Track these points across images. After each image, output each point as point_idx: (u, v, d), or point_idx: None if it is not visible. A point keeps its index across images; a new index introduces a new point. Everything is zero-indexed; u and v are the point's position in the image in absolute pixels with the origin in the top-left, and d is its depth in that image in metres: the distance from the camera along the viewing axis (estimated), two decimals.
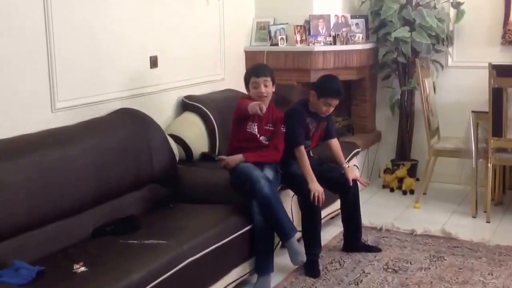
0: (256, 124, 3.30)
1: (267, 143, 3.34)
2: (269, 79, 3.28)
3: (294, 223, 3.36)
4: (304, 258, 3.12)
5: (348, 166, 3.63)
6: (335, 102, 3.44)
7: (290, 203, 3.42)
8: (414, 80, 4.70)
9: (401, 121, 5.00)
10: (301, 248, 3.16)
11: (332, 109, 3.46)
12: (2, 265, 2.36)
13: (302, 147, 3.37)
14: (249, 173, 3.12)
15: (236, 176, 3.20)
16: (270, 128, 3.34)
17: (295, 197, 3.47)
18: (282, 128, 3.36)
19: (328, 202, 3.81)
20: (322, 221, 3.79)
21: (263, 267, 3.10)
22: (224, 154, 3.50)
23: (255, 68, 3.41)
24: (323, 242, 3.70)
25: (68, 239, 2.69)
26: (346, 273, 3.31)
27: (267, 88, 3.27)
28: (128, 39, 3.49)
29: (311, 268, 3.29)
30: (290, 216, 3.32)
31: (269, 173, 3.23)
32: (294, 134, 3.36)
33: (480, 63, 4.40)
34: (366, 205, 4.34)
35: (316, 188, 3.26)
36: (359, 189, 3.67)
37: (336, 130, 3.77)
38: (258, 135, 3.31)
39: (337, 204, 3.82)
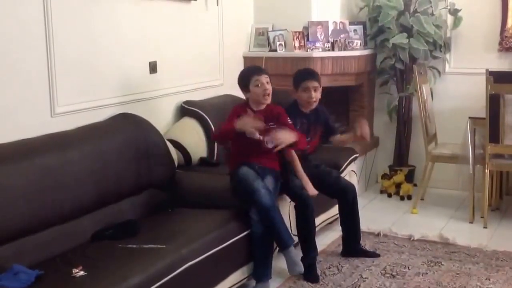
0: (254, 129, 3.21)
1: (271, 146, 3.25)
2: (268, 77, 3.26)
3: (292, 227, 3.38)
4: (301, 269, 3.11)
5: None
6: (312, 84, 3.43)
7: (288, 209, 3.43)
8: (411, 86, 4.73)
9: (399, 127, 5.02)
10: (298, 258, 3.14)
11: (314, 95, 3.43)
12: (1, 269, 2.36)
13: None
14: (249, 182, 3.10)
15: (236, 184, 3.18)
16: (273, 126, 3.24)
17: (293, 202, 3.48)
18: (289, 120, 3.30)
19: (325, 207, 3.84)
20: (320, 226, 3.82)
21: (262, 273, 3.10)
22: (223, 159, 3.50)
23: (253, 68, 3.38)
24: (321, 247, 3.72)
25: (67, 243, 2.70)
26: (344, 278, 3.32)
27: (269, 86, 3.23)
28: (127, 45, 3.50)
29: (309, 273, 3.29)
30: (288, 222, 3.33)
31: (270, 181, 3.21)
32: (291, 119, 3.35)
33: (477, 69, 4.43)
34: (364, 211, 4.34)
35: None
36: (357, 193, 3.69)
37: (336, 130, 3.75)
38: (262, 137, 3.19)
39: (334, 210, 3.84)
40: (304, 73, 3.53)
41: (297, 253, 3.14)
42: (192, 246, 2.71)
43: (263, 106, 3.28)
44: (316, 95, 3.46)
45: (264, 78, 3.23)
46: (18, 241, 2.54)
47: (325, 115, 3.63)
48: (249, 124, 3.02)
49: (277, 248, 3.26)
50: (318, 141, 3.65)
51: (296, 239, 3.31)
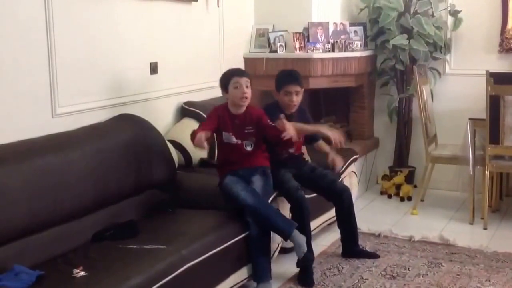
0: (231, 133, 3.23)
1: (250, 149, 3.25)
2: (249, 81, 3.22)
3: None
4: (304, 248, 3.05)
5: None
6: (294, 88, 3.41)
7: (288, 210, 3.42)
8: (412, 87, 4.73)
9: (399, 128, 5.02)
10: (303, 240, 3.06)
11: (295, 99, 3.41)
12: (2, 269, 2.36)
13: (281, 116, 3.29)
14: (231, 191, 3.10)
15: (223, 195, 3.18)
16: (251, 130, 3.25)
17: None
18: (269, 122, 3.22)
19: (324, 208, 3.83)
20: (319, 227, 3.82)
21: (262, 275, 3.10)
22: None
23: (235, 69, 3.32)
24: (321, 248, 3.73)
25: (68, 244, 2.70)
26: (344, 279, 3.32)
27: (248, 90, 3.19)
28: (128, 46, 3.51)
29: (304, 277, 3.26)
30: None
31: (257, 180, 3.19)
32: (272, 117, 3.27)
33: (478, 70, 4.43)
34: (363, 212, 4.36)
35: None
36: (355, 196, 3.69)
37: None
38: (240, 141, 3.24)
39: (334, 211, 3.83)
40: (286, 77, 3.50)
41: (301, 237, 3.06)
42: (193, 246, 2.71)
43: (242, 110, 3.24)
44: (297, 99, 3.44)
45: (244, 81, 3.19)
46: (19, 242, 2.54)
47: (308, 118, 3.62)
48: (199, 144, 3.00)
49: (276, 250, 3.27)
50: (302, 142, 3.63)
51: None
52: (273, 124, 3.20)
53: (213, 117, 3.25)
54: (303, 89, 3.48)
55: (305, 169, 3.55)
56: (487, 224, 4.10)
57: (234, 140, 3.24)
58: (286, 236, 3.07)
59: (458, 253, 3.66)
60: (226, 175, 3.22)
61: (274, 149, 3.40)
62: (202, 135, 2.99)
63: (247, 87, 3.19)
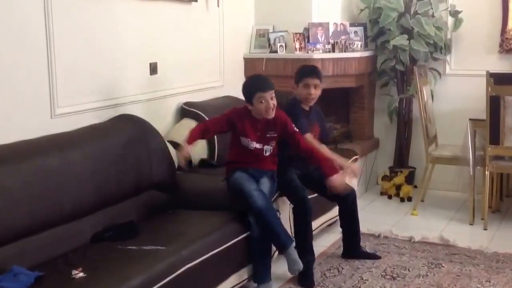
0: (250, 139, 3.21)
1: (268, 154, 3.26)
2: (273, 91, 3.18)
3: (292, 230, 3.37)
4: (300, 266, 3.08)
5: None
6: (313, 81, 3.42)
7: (288, 211, 3.42)
8: (412, 88, 4.73)
9: (399, 128, 5.02)
10: (297, 256, 3.10)
11: (313, 92, 3.41)
12: (1, 270, 2.36)
13: (308, 134, 3.35)
14: (241, 187, 3.10)
15: (231, 189, 3.18)
16: (273, 135, 3.24)
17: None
18: (294, 127, 3.25)
19: (325, 209, 3.84)
20: (319, 228, 3.82)
21: (263, 276, 3.10)
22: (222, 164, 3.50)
23: (259, 82, 3.22)
24: (321, 249, 3.72)
25: (67, 245, 2.69)
26: (344, 280, 3.32)
27: (273, 101, 3.16)
28: (128, 46, 3.50)
29: (304, 278, 3.26)
30: (288, 224, 3.33)
31: (265, 182, 3.21)
32: (299, 126, 3.31)
33: (478, 71, 4.43)
34: (364, 212, 4.34)
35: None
36: (357, 195, 3.68)
37: (330, 133, 3.75)
38: (261, 146, 3.22)
39: (334, 211, 3.84)
40: (306, 70, 3.54)
41: (296, 252, 3.11)
42: (192, 247, 2.71)
43: None
44: (316, 92, 3.45)
45: (269, 95, 3.14)
46: (18, 242, 2.53)
47: (321, 116, 3.65)
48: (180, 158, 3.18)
49: (276, 251, 3.26)
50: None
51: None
52: (298, 130, 3.25)
53: (222, 121, 3.25)
54: (322, 84, 3.49)
55: (309, 168, 3.55)
56: (487, 225, 4.10)
57: (253, 145, 3.22)
58: (284, 248, 3.06)
59: (458, 254, 3.66)
60: (235, 170, 3.21)
61: (290, 149, 3.42)
62: (183, 153, 3.10)
63: (272, 98, 3.16)
